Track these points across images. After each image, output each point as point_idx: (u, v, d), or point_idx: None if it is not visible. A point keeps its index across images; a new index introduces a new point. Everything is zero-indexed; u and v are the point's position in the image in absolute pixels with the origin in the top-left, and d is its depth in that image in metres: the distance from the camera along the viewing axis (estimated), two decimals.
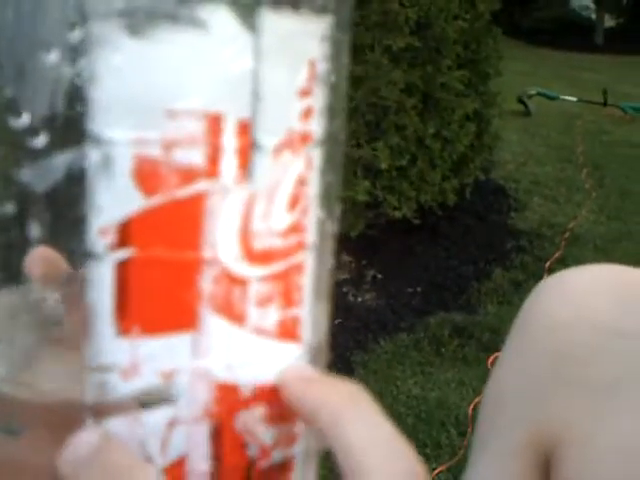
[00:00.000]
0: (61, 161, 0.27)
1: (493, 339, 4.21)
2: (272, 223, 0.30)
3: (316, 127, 0.31)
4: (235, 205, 0.29)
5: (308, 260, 0.32)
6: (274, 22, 0.28)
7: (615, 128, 9.67)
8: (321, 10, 0.30)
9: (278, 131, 0.29)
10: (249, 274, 0.30)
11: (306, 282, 0.32)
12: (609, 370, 0.55)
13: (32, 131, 0.27)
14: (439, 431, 3.42)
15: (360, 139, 4.18)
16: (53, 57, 0.26)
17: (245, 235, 0.29)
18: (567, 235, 5.88)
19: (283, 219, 0.30)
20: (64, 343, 0.30)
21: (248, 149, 0.29)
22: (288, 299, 0.31)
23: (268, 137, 0.29)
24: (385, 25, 4.15)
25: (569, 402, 0.56)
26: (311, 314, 0.32)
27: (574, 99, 10.19)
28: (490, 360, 3.96)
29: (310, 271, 0.32)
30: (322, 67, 0.30)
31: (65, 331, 0.30)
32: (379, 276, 4.76)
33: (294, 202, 0.30)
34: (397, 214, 4.61)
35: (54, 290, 0.30)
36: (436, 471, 3.06)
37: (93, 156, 0.27)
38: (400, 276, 4.83)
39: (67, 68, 0.26)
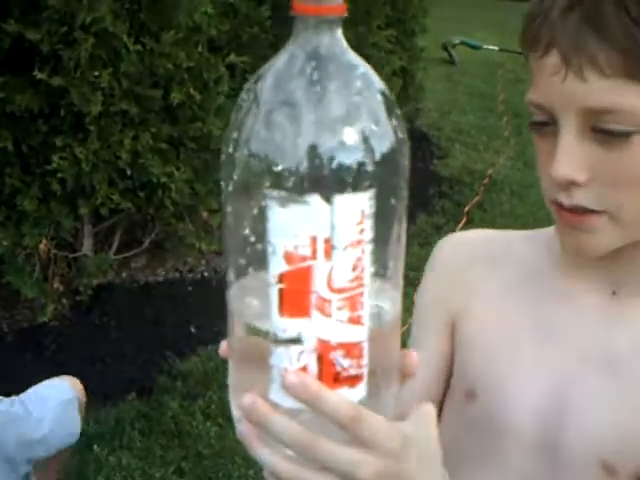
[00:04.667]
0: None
1: (417, 276, 4.59)
2: (344, 277, 0.62)
3: (367, 236, 0.62)
4: (325, 270, 0.62)
5: (365, 291, 0.63)
6: (341, 199, 0.60)
7: None
8: (368, 188, 0.61)
9: (345, 241, 0.61)
10: (331, 297, 0.62)
11: (364, 299, 0.63)
12: (472, 280, 1.03)
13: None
14: None
15: None
16: (256, 211, 0.62)
17: (329, 282, 0.62)
18: (486, 181, 6.25)
19: (349, 275, 0.62)
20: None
21: (330, 248, 0.61)
22: (353, 308, 0.63)
23: (339, 242, 0.62)
24: None
25: (458, 298, 1.04)
26: (367, 314, 0.64)
27: (496, 48, 10.46)
28: (415, 294, 4.37)
29: (366, 295, 0.63)
30: (369, 211, 0.62)
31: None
32: None
33: (355, 267, 0.62)
34: None
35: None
36: None
37: (269, 249, 0.62)
38: None
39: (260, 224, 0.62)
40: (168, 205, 3.84)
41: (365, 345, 0.65)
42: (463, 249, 1.08)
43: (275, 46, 4.44)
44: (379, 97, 0.64)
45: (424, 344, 1.07)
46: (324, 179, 0.60)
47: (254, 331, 0.65)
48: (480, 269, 1.04)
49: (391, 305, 0.68)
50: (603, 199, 0.84)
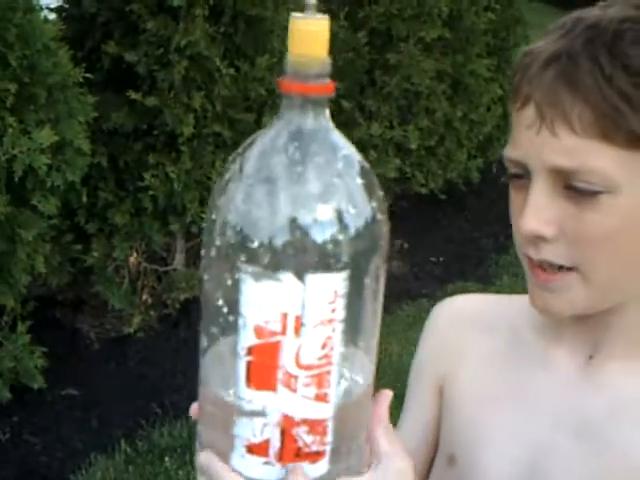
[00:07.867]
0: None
1: None
2: (313, 354, 0.63)
3: (338, 315, 0.63)
4: (293, 346, 0.63)
5: (333, 369, 0.64)
6: (313, 279, 0.61)
7: None
8: (343, 268, 0.62)
9: (315, 320, 0.62)
10: (298, 373, 0.63)
11: (332, 378, 0.65)
12: (461, 347, 1.04)
13: None
14: None
15: (392, 121, 4.58)
16: (230, 283, 0.64)
17: (297, 358, 0.63)
18: None
19: (318, 352, 0.63)
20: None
21: (299, 326, 0.62)
22: (320, 385, 0.64)
23: (310, 320, 0.63)
24: (419, 17, 4.53)
25: (446, 363, 1.05)
26: (333, 391, 0.65)
27: None
28: None
29: (334, 373, 0.65)
30: (342, 291, 0.63)
31: None
32: (405, 245, 5.17)
33: (324, 345, 0.63)
34: (424, 190, 5.02)
35: None
36: None
37: (240, 321, 0.64)
38: (425, 246, 5.24)
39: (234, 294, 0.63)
40: None
41: (329, 423, 0.66)
42: (456, 316, 1.10)
43: (370, 72, 4.48)
44: (359, 178, 0.65)
45: (413, 407, 1.09)
46: (298, 257, 0.61)
47: (220, 400, 0.67)
48: (470, 336, 1.06)
49: (363, 378, 0.69)
50: (571, 255, 0.84)
